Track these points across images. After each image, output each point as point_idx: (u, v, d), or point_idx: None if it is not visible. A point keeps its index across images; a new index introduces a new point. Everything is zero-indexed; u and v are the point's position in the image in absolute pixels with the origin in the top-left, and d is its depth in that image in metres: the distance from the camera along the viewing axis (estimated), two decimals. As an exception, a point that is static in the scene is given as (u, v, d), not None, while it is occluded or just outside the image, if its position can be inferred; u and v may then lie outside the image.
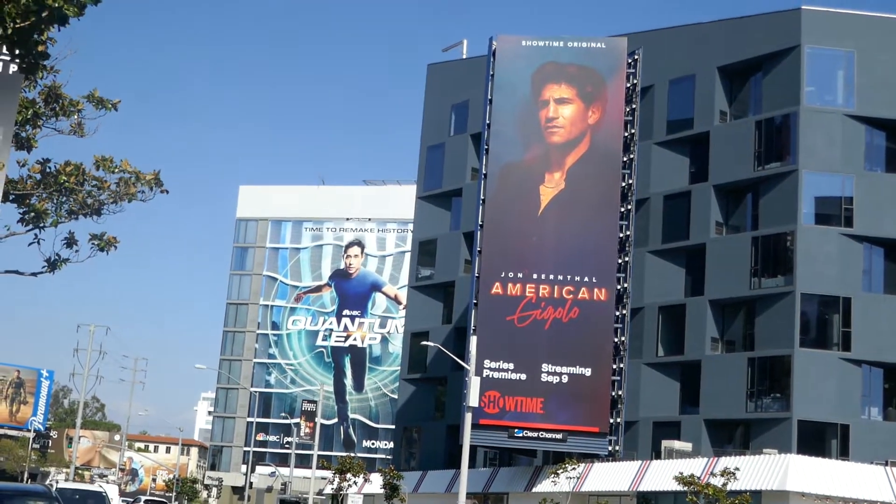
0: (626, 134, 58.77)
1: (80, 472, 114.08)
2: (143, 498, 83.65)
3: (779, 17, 59.86)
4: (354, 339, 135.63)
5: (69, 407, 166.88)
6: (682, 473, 45.38)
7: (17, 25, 13.16)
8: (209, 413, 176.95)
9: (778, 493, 46.42)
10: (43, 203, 23.54)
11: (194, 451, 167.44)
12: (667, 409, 60.87)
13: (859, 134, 57.84)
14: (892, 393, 57.01)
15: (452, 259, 73.88)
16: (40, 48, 13.78)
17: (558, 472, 52.65)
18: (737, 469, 44.94)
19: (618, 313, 56.50)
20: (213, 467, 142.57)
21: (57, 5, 13.43)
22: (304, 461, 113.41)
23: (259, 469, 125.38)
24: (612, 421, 55.36)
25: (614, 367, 56.00)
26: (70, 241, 23.64)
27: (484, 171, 59.07)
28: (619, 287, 56.78)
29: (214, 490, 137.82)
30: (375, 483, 66.89)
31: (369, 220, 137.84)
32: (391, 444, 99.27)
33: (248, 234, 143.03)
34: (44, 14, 13.29)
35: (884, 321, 56.08)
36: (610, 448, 55.30)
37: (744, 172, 59.48)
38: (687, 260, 62.10)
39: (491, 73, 59.88)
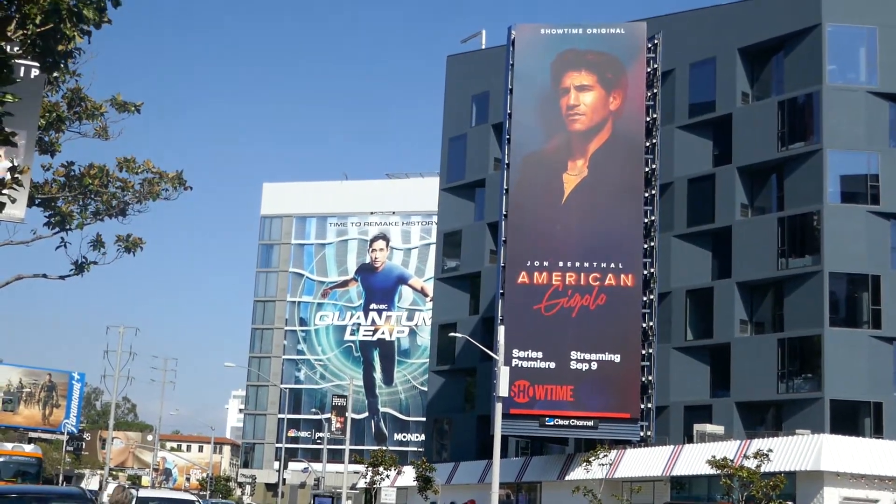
0: (648, 119, 58.62)
1: (113, 472, 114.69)
2: None
3: (798, -5, 59.49)
4: (382, 333, 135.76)
5: (101, 409, 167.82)
6: (714, 457, 45.26)
7: (40, 30, 13.20)
8: (240, 411, 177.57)
9: (812, 473, 46.26)
10: (68, 206, 23.65)
11: (227, 449, 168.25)
12: (697, 393, 60.68)
13: (883, 111, 57.42)
14: (925, 370, 56.66)
15: (478, 250, 73.86)
16: (60, 48, 13.79)
17: (591, 459, 52.65)
18: (770, 450, 44.79)
19: (645, 298, 56.40)
20: (245, 465, 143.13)
21: (74, 5, 13.46)
22: (336, 456, 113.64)
23: (291, 465, 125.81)
24: (642, 406, 55.29)
25: (643, 352, 55.92)
26: (96, 244, 23.74)
27: (506, 161, 59.05)
28: (645, 272, 56.67)
29: (248, 487, 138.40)
30: (408, 476, 67.10)
31: (393, 213, 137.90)
32: (422, 437, 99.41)
33: (273, 231, 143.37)
34: (62, 14, 13.31)
35: (914, 298, 55.70)
36: (641, 434, 55.25)
37: (768, 153, 59.17)
38: (713, 243, 61.85)
39: (511, 62, 59.81)
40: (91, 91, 24.11)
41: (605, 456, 52.95)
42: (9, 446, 65.68)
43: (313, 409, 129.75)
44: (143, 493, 28.31)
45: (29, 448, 67.10)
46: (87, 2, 13.16)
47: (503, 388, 49.88)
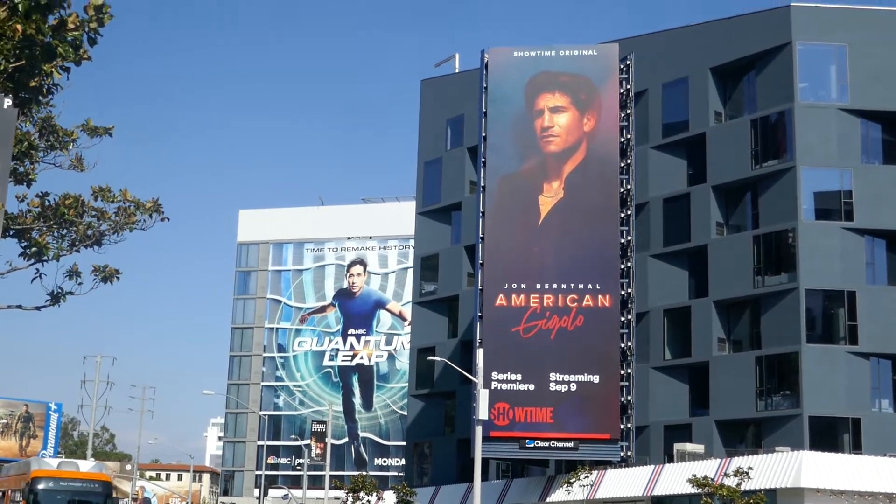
0: (622, 139, 58.80)
1: None
2: None
3: (769, 14, 59.94)
4: (361, 358, 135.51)
5: (79, 439, 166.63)
6: (695, 475, 45.29)
7: (14, 65, 13.15)
8: (219, 438, 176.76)
9: (792, 490, 46.31)
10: (44, 237, 23.50)
11: (206, 477, 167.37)
12: (677, 412, 60.75)
13: (855, 127, 57.86)
14: (902, 385, 56.91)
15: (455, 273, 73.82)
16: (33, 83, 13.76)
17: (571, 480, 52.57)
18: (750, 468, 44.86)
19: (623, 319, 56.45)
20: (225, 492, 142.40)
21: (48, 41, 13.42)
22: (316, 482, 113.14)
23: (272, 492, 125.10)
24: (622, 426, 55.27)
25: (622, 372, 55.93)
26: (73, 274, 23.60)
27: (482, 184, 59.07)
28: (622, 293, 56.73)
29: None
30: (389, 500, 66.73)
31: (370, 238, 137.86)
32: (403, 461, 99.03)
33: (250, 257, 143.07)
34: (36, 50, 13.27)
35: (889, 313, 55.99)
36: (622, 454, 55.20)
37: (742, 172, 59.49)
38: (689, 262, 62.05)
39: (484, 85, 59.93)
40: (64, 120, 23.99)
41: (586, 477, 52.89)
42: (54, 464, 44.47)
43: (293, 436, 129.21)
44: None
45: (88, 467, 45.39)
46: (61, 38, 13.12)
47: (483, 411, 49.82)
